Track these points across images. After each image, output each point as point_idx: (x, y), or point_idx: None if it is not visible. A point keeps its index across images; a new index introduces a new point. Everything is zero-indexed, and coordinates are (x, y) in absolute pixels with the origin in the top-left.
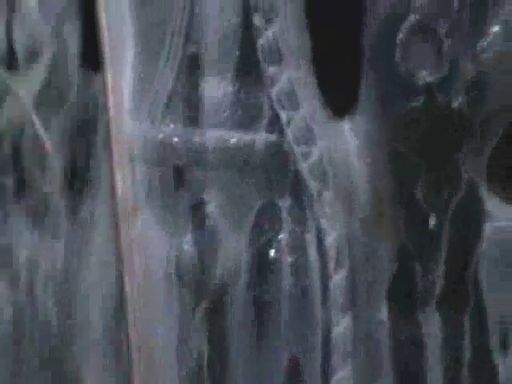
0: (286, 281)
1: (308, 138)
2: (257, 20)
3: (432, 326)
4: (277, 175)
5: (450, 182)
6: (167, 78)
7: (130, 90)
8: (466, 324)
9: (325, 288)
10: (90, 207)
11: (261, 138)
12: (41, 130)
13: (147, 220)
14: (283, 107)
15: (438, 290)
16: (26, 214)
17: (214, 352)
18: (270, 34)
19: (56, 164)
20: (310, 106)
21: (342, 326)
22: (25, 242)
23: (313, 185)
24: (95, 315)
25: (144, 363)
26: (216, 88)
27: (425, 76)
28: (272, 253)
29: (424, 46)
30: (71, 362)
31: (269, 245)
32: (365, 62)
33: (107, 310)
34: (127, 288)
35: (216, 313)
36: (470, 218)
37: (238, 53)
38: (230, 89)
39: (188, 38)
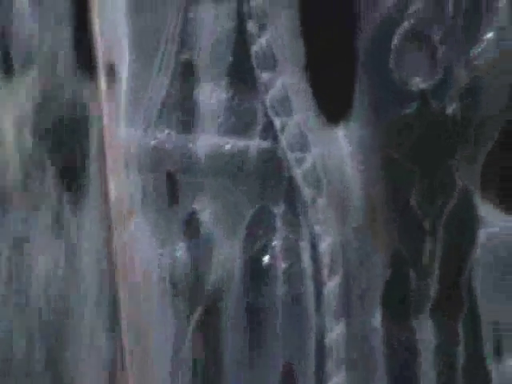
0: (280, 287)
1: (302, 144)
2: (250, 26)
3: (426, 332)
4: (271, 182)
5: (444, 189)
6: (161, 84)
7: (123, 96)
8: (460, 330)
9: (319, 294)
10: (83, 213)
11: (255, 144)
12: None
13: (140, 226)
14: (277, 114)
15: (431, 297)
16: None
17: (208, 358)
18: (263, 40)
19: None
20: (303, 112)
21: (335, 333)
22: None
23: (307, 191)
24: (88, 320)
25: (137, 368)
26: (210, 94)
27: (418, 82)
28: (266, 259)
29: (418, 53)
30: (64, 367)
31: (263, 251)
32: (359, 69)
33: (100, 316)
34: (120, 294)
35: (210, 319)
36: (464, 225)
37: (231, 59)
38: (223, 95)
39: (182, 45)
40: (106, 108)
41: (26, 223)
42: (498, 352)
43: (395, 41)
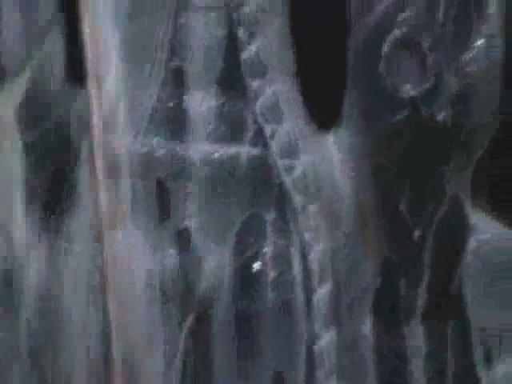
0: (270, 294)
1: (292, 151)
2: (241, 34)
3: (416, 339)
4: (261, 189)
5: (434, 196)
6: (151, 91)
7: (114, 103)
8: (450, 337)
9: (309, 302)
10: (73, 221)
11: (245, 151)
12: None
13: (131, 234)
14: (267, 121)
15: (422, 304)
16: None
17: (198, 365)
18: (253, 47)
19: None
20: (293, 119)
21: (325, 340)
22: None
23: (297, 198)
24: (79, 331)
25: (128, 377)
26: (200, 102)
27: (409, 90)
28: (256, 266)
29: (408, 60)
30: (56, 375)
31: (253, 258)
32: (349, 76)
33: (91, 325)
34: (110, 301)
35: (200, 326)
36: (454, 231)
37: (222, 66)
38: (214, 102)
39: (172, 52)
40: (95, 115)
41: None
42: (488, 359)
43: (385, 48)
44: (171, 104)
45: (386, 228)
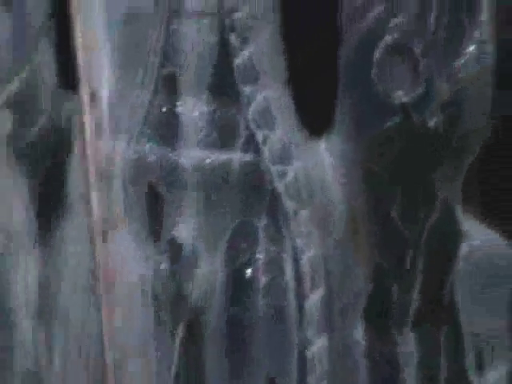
0: (262, 300)
1: (284, 157)
2: (233, 40)
3: (408, 345)
4: (253, 195)
5: (426, 202)
6: (144, 97)
7: (106, 109)
8: (442, 343)
9: (301, 307)
10: (65, 226)
11: (237, 157)
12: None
13: (123, 239)
14: (259, 127)
15: (414, 310)
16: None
17: (190, 370)
18: (245, 53)
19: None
20: (286, 125)
21: (317, 346)
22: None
23: (289, 204)
24: (73, 335)
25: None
26: (192, 108)
27: (401, 96)
28: (248, 272)
29: (400, 66)
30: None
31: (245, 264)
32: (341, 82)
33: (84, 330)
34: (103, 306)
35: (192, 332)
36: (446, 238)
37: (214, 72)
38: (206, 108)
39: (164, 58)
40: (88, 121)
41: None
42: (480, 364)
43: (377, 54)
44: (163, 110)
45: (378, 234)
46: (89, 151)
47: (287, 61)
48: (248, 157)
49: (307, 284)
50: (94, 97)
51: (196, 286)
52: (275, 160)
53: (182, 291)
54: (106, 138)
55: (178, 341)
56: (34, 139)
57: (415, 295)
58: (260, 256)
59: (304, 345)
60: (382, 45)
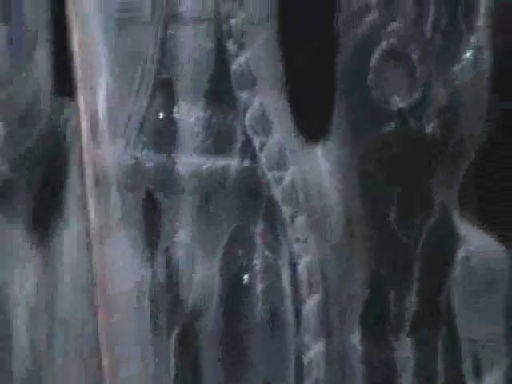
0: (259, 306)
1: (281, 163)
2: (230, 45)
3: (405, 350)
4: (250, 200)
5: (423, 208)
6: (140, 103)
7: (102, 115)
8: (439, 349)
9: (298, 313)
10: (62, 233)
11: (234, 163)
12: None
13: (120, 245)
14: (256, 133)
15: (411, 315)
16: None
17: (186, 375)
18: (242, 59)
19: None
20: (282, 131)
21: (314, 351)
22: None
23: (285, 210)
24: (69, 341)
25: None
26: (189, 113)
27: (398, 102)
28: (245, 278)
29: (397, 72)
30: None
31: (242, 270)
32: (338, 88)
33: (81, 336)
34: (100, 311)
35: (189, 338)
36: (443, 243)
37: (210, 78)
38: (202, 114)
39: (161, 64)
40: (85, 128)
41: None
42: (477, 370)
43: (374, 60)
44: (160, 116)
45: (375, 239)
46: (85, 158)
47: (284, 66)
48: (245, 163)
49: (304, 289)
50: (90, 103)
51: (193, 291)
52: (272, 166)
53: (179, 297)
54: (102, 145)
55: (174, 346)
56: (30, 146)
57: (412, 301)
58: (257, 262)
59: (301, 350)
60: (378, 50)
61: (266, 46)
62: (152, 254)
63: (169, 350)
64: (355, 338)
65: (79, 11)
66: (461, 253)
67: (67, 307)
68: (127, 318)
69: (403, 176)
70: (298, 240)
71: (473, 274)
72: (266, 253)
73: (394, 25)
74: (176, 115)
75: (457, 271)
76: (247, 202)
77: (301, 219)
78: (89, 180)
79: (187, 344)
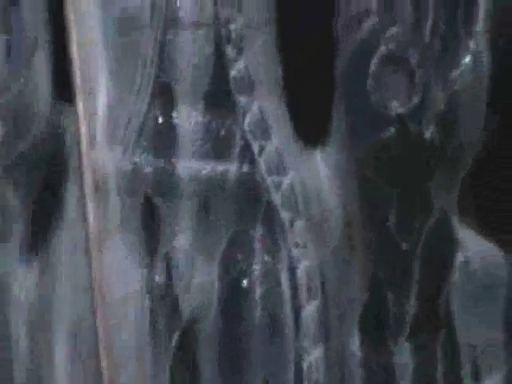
0: (258, 311)
1: (280, 168)
2: (229, 50)
3: (404, 355)
4: (249, 205)
5: (422, 212)
6: (139, 108)
7: (102, 120)
8: (439, 354)
9: (297, 318)
10: (60, 237)
11: (233, 168)
12: None
13: (118, 250)
14: (255, 137)
15: (410, 320)
16: None
17: (185, 380)
18: (242, 63)
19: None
20: (281, 135)
21: (313, 356)
22: None
23: (284, 215)
24: (68, 345)
25: None
26: (188, 118)
27: (397, 106)
28: (244, 283)
29: (396, 77)
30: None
31: (241, 275)
32: (336, 93)
33: (80, 341)
34: (98, 317)
35: (188, 342)
36: (442, 247)
37: (210, 83)
38: (201, 119)
39: (160, 69)
40: (84, 133)
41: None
42: (476, 375)
43: (373, 65)
44: (159, 121)
45: (374, 244)
46: (85, 162)
47: (283, 71)
48: (244, 168)
49: (303, 294)
50: (89, 108)
51: (192, 296)
52: (271, 171)
53: (178, 302)
54: (101, 149)
55: (173, 351)
56: (28, 150)
57: (411, 305)
58: (256, 266)
59: (300, 355)
60: (377, 55)
61: (265, 50)
62: (151, 258)
63: (167, 355)
64: (354, 342)
65: (78, 16)
66: (460, 257)
67: (66, 309)
68: (126, 322)
69: (402, 180)
70: (297, 245)
71: (472, 278)
72: (266, 257)
73: (393, 30)
74: (175, 120)
75: (456, 276)
76: (246, 207)
77: (300, 224)
78: (88, 185)
79: (186, 349)
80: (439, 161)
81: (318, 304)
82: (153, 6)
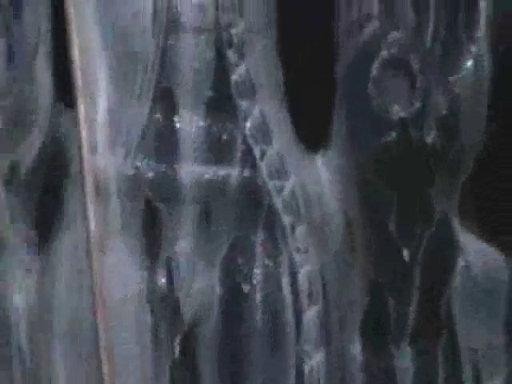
0: (259, 315)
1: (281, 172)
2: (230, 55)
3: (405, 359)
4: (250, 210)
5: (423, 217)
6: (141, 112)
7: (103, 124)
8: (440, 357)
9: (298, 322)
10: (62, 240)
11: (234, 172)
12: None
13: (120, 253)
14: (256, 142)
15: (411, 324)
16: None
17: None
18: (243, 68)
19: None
20: (283, 140)
21: (315, 360)
22: None
23: (286, 219)
24: (69, 348)
25: None
26: (189, 123)
27: (398, 111)
28: (245, 288)
29: (397, 81)
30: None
31: (242, 279)
32: (338, 97)
33: (81, 343)
34: (99, 320)
35: (189, 346)
36: (443, 251)
37: (211, 87)
38: (203, 123)
39: (161, 73)
40: (85, 137)
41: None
42: (477, 379)
43: (374, 69)
44: (161, 125)
45: (375, 248)
46: (86, 167)
47: (284, 75)
48: (245, 172)
49: (304, 299)
50: (90, 112)
51: (193, 300)
52: (272, 175)
53: (179, 306)
54: (102, 154)
55: (174, 354)
56: (30, 153)
57: (412, 310)
58: (257, 271)
59: (301, 359)
60: (379, 60)
61: (266, 54)
62: (152, 262)
63: (168, 359)
64: (355, 346)
65: (79, 21)
66: (461, 262)
67: (67, 312)
68: (127, 325)
69: (403, 185)
70: (298, 250)
71: (473, 283)
72: (267, 262)
73: (395, 34)
74: (177, 124)
75: (457, 280)
76: (248, 211)
77: (301, 229)
78: (89, 189)
79: (187, 353)
80: (440, 165)
81: (319, 309)
82: (154, 11)
